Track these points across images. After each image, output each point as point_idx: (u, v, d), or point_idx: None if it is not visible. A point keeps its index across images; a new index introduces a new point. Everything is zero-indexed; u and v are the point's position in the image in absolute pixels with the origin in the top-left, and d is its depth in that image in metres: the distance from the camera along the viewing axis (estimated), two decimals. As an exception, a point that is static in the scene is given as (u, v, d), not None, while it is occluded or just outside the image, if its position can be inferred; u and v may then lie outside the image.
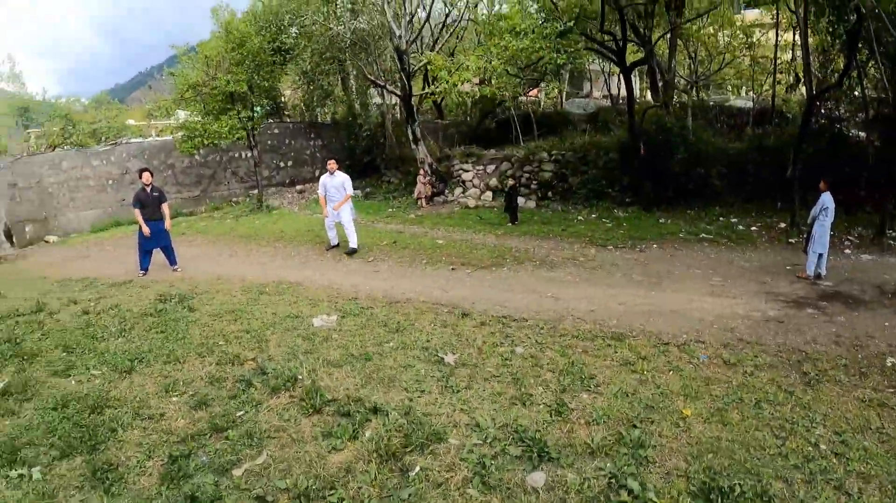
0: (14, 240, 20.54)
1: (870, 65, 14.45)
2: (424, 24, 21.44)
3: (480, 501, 3.98)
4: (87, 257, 15.95)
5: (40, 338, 8.10)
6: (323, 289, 9.99)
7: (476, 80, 20.18)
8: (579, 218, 16.07)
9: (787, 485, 4.09)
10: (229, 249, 15.19)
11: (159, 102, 38.10)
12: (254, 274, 11.74)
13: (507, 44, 14.91)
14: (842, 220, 13.05)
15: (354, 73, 24.36)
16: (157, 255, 12.65)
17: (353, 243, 13.21)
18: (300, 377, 5.97)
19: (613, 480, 4.11)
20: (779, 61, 21.27)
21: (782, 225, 13.75)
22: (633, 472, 4.18)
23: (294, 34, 22.62)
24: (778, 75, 21.79)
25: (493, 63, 15.71)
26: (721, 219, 14.71)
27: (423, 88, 23.61)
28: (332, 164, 13.41)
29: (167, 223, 12.66)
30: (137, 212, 12.13)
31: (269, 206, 21.53)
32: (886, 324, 7.58)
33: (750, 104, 22.82)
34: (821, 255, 9.85)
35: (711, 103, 23.40)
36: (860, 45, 13.06)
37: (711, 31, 21.90)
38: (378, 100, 26.41)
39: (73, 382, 6.36)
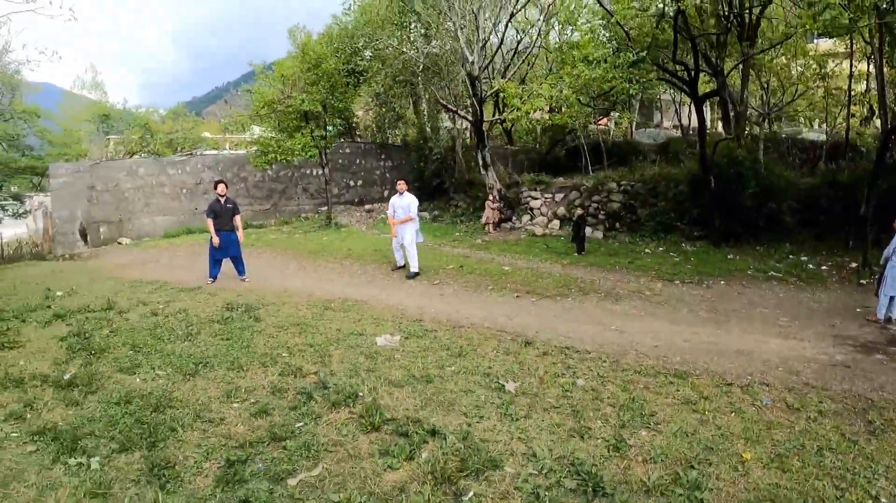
0: (88, 239, 21.52)
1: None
2: (497, 50, 21.65)
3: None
4: (158, 261, 16.60)
5: (109, 335, 8.57)
6: (388, 309, 10.14)
7: (547, 108, 20.27)
8: (646, 250, 15.90)
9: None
10: (297, 263, 15.58)
11: (235, 117, 39.61)
12: (320, 289, 12.03)
13: (580, 72, 14.94)
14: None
15: (426, 96, 24.73)
16: (227, 265, 13.12)
17: (414, 267, 13.34)
18: (361, 394, 6.12)
19: (668, 521, 4.10)
20: (853, 93, 20.61)
21: (854, 265, 13.28)
22: (688, 514, 4.16)
23: (368, 57, 23.18)
24: (852, 107, 21.12)
25: (564, 92, 15.76)
26: (791, 256, 14.34)
27: (494, 114, 23.85)
28: (401, 184, 13.64)
29: (240, 234, 13.12)
30: (210, 221, 12.61)
31: (338, 223, 21.98)
32: (961, 374, 7.30)
33: (823, 137, 22.25)
34: (892, 298, 9.48)
35: (784, 136, 22.92)
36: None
37: (784, 60, 21.40)
38: (448, 124, 26.72)
39: (137, 380, 6.70)
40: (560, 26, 23.93)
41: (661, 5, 13.84)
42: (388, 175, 27.14)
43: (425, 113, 26.04)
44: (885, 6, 11.80)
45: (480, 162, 20.63)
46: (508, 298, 11.37)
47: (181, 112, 40.31)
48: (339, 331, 8.57)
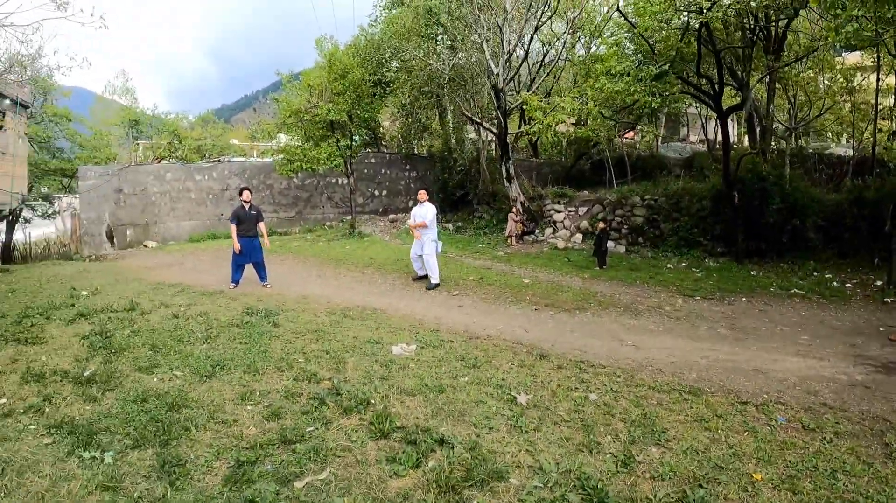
0: (115, 241, 21.92)
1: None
2: (522, 63, 21.69)
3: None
4: (183, 265, 16.87)
5: (130, 335, 8.71)
6: (405, 319, 10.21)
7: (572, 121, 20.26)
8: (668, 266, 15.79)
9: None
10: (318, 271, 15.73)
11: (262, 125, 40.03)
12: (340, 297, 12.14)
13: (602, 86, 14.94)
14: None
15: (452, 108, 24.84)
16: (249, 270, 13.33)
17: (434, 278, 13.37)
18: (373, 401, 6.14)
19: (672, 539, 4.06)
20: (880, 107, 20.32)
21: (878, 283, 13.07)
22: (693, 533, 4.12)
23: (394, 68, 23.31)
24: (880, 122, 20.79)
25: (587, 105, 15.74)
26: (815, 274, 14.14)
27: (519, 127, 23.87)
28: (421, 194, 13.71)
29: (265, 241, 13.33)
30: (234, 227, 12.87)
31: (361, 232, 22.13)
32: (985, 398, 7.15)
33: (850, 152, 21.95)
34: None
35: (810, 151, 22.65)
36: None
37: (811, 74, 21.16)
38: (474, 135, 26.81)
39: (155, 379, 6.80)
40: (587, 38, 23.95)
41: (685, 18, 13.77)
42: (412, 185, 27.29)
43: (451, 124, 26.15)
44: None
45: (504, 174, 20.65)
46: (527, 311, 11.36)
47: (210, 119, 40.77)
48: (355, 339, 8.61)
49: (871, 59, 20.38)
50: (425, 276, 13.79)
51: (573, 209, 20.38)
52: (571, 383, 6.94)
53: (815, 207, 15.45)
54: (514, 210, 20.15)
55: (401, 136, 29.97)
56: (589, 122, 17.77)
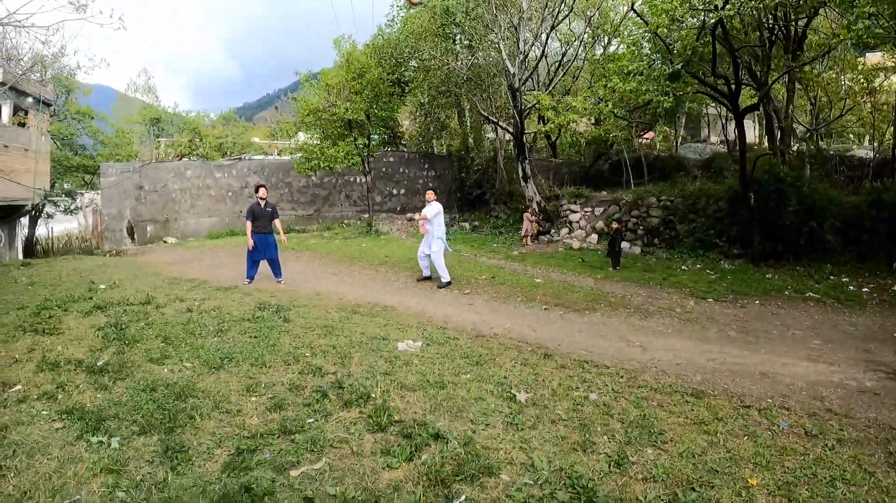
0: (135, 237, 22.22)
1: None
2: (538, 63, 21.64)
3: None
4: (201, 261, 17.11)
5: (144, 327, 8.87)
6: (414, 316, 10.27)
7: (591, 121, 20.18)
8: (683, 267, 15.68)
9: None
10: (334, 268, 15.86)
11: (281, 124, 40.29)
12: (352, 294, 12.26)
13: (615, 85, 14.86)
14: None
15: (469, 107, 24.85)
16: (264, 267, 13.51)
17: (445, 277, 13.42)
18: (373, 395, 6.21)
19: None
20: (901, 108, 19.98)
21: (895, 287, 12.95)
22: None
23: (412, 67, 23.35)
24: (900, 123, 20.49)
25: (600, 105, 15.67)
26: (832, 277, 13.97)
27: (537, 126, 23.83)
28: (429, 194, 13.81)
29: (282, 237, 13.51)
30: (249, 223, 13.10)
31: (378, 230, 22.20)
32: None
33: (871, 154, 21.63)
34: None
35: (831, 152, 22.31)
36: None
37: (833, 75, 20.86)
38: (492, 135, 26.79)
39: (165, 370, 6.95)
40: (606, 39, 23.84)
41: (701, 17, 13.65)
42: (430, 184, 27.26)
43: (469, 124, 26.16)
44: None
45: (521, 174, 20.65)
46: (536, 310, 11.36)
47: (231, 117, 41.10)
48: (363, 335, 8.68)
49: (893, 60, 20.06)
50: (429, 278, 13.91)
51: (589, 209, 20.31)
52: (573, 383, 6.94)
53: (832, 209, 15.23)
54: (530, 210, 20.14)
55: (420, 135, 30.07)
56: (607, 122, 17.64)
